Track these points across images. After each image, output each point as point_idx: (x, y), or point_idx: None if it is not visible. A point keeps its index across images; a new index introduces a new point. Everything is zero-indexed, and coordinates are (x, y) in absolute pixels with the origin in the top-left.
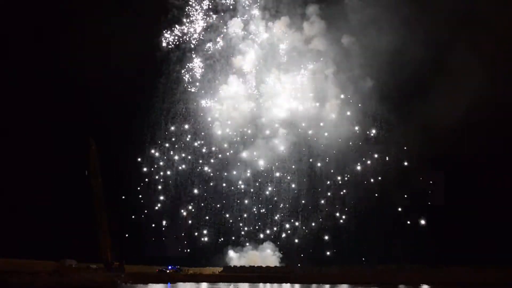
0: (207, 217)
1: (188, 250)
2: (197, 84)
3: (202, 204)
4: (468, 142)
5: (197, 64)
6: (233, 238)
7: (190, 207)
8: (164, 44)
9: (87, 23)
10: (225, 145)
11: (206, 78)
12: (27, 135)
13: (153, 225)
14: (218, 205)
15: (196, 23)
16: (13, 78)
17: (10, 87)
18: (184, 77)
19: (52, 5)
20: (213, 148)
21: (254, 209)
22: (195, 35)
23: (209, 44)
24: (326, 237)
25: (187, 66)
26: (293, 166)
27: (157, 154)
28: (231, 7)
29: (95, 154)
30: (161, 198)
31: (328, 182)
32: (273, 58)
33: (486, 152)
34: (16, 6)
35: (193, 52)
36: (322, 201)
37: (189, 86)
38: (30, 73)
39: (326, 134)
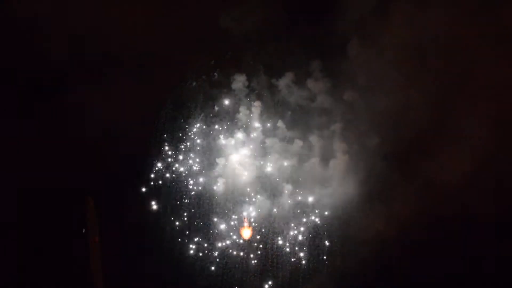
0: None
1: None
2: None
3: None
4: (473, 201)
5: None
6: None
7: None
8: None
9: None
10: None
11: (211, 136)
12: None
13: None
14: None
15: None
16: None
17: None
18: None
19: None
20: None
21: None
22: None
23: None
24: None
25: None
26: (295, 232)
27: None
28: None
29: (93, 212)
30: None
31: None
32: (279, 114)
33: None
34: None
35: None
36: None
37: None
38: None
39: (331, 191)
